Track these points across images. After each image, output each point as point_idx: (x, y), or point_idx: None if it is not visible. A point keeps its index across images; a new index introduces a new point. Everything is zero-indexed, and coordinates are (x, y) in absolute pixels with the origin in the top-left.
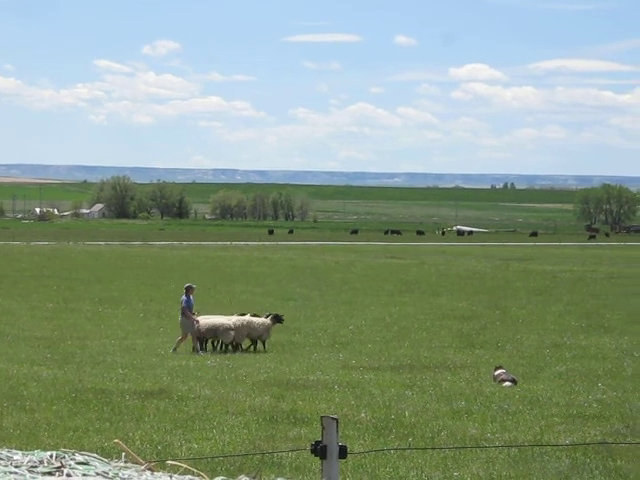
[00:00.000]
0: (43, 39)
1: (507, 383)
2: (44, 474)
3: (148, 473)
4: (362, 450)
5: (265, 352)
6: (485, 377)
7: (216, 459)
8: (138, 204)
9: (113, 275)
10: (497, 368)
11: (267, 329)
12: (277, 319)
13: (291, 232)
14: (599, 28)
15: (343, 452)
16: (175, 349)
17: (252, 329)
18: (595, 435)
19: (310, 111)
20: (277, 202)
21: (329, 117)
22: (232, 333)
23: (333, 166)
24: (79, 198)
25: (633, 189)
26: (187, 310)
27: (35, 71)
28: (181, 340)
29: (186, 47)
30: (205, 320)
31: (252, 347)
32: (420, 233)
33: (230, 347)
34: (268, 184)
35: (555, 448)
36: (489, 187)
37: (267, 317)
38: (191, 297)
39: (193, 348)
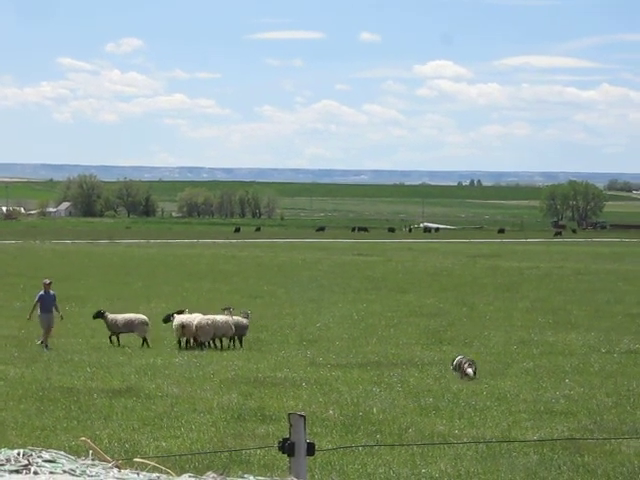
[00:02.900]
0: (5, 37)
1: (469, 370)
2: (11, 472)
3: (115, 471)
4: (330, 447)
5: (231, 350)
6: (453, 374)
7: (184, 457)
8: (105, 202)
9: (80, 273)
10: (454, 359)
11: (230, 326)
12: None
13: (258, 230)
14: (563, 24)
15: (311, 449)
16: (45, 345)
17: (217, 328)
18: (562, 431)
19: (275, 108)
20: (244, 200)
21: (294, 114)
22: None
23: (299, 163)
24: (45, 197)
25: (598, 185)
26: (41, 304)
27: None
28: (46, 334)
29: (150, 45)
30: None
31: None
32: (391, 230)
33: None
34: (235, 182)
35: (523, 444)
36: (456, 184)
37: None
38: (50, 292)
39: (42, 341)
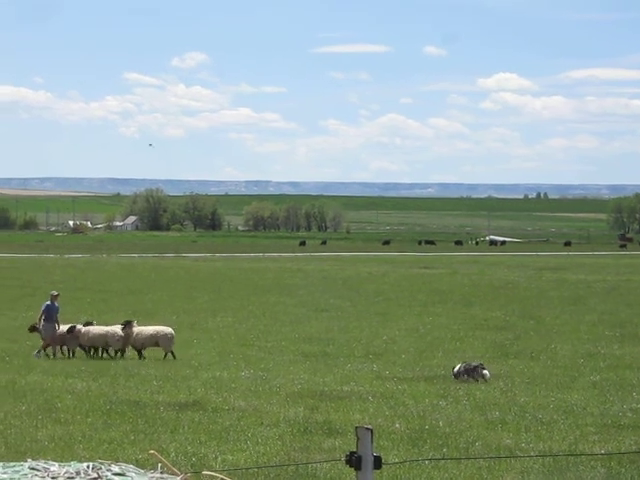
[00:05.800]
0: (72, 52)
1: (485, 372)
2: None
3: None
4: (397, 460)
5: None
6: (520, 387)
7: (250, 470)
8: (171, 216)
9: (146, 287)
10: (457, 366)
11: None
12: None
13: (324, 243)
14: (628, 37)
15: (378, 463)
16: (39, 352)
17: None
18: (630, 445)
19: (340, 122)
20: (310, 213)
21: (360, 128)
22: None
23: (365, 177)
24: (112, 211)
25: None
26: (46, 314)
27: (65, 84)
28: (45, 345)
29: (215, 59)
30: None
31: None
32: (458, 243)
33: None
34: (301, 195)
35: (590, 458)
36: (522, 197)
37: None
38: (55, 303)
39: (40, 350)
